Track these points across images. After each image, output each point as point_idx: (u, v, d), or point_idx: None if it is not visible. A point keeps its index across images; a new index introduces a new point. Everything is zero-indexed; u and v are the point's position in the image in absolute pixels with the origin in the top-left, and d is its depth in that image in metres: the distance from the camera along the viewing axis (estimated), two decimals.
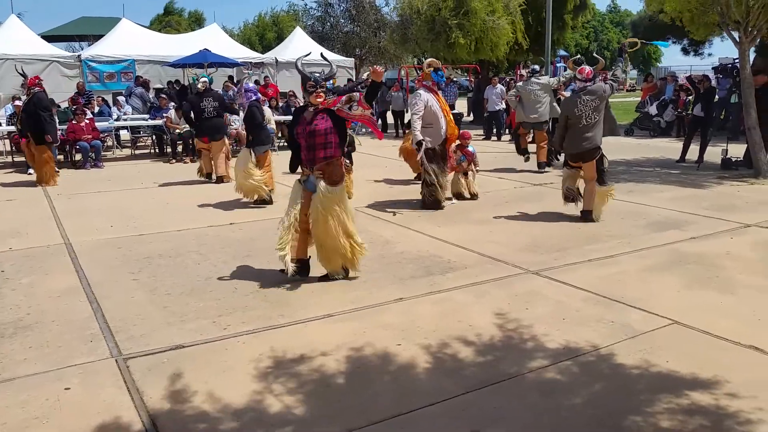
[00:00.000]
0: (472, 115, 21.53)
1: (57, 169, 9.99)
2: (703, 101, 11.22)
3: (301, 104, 5.39)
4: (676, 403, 3.06)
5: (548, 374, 3.41)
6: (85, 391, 3.28)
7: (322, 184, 4.72)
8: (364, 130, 15.31)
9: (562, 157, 8.00)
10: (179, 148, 12.45)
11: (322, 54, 6.69)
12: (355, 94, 4.80)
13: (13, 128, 11.34)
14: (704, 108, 11.14)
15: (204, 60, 16.43)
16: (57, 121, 11.54)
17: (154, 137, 13.44)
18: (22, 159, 10.95)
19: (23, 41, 16.97)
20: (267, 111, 8.93)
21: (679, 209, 7.37)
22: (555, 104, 10.38)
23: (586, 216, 6.81)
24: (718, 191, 8.58)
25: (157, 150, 13.35)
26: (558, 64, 18.03)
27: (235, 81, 16.98)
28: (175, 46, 18.63)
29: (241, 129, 12.03)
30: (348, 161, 7.69)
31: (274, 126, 10.65)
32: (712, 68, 16.35)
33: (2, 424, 2.98)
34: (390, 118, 17.56)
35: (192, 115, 9.54)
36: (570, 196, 6.98)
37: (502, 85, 16.54)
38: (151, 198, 8.61)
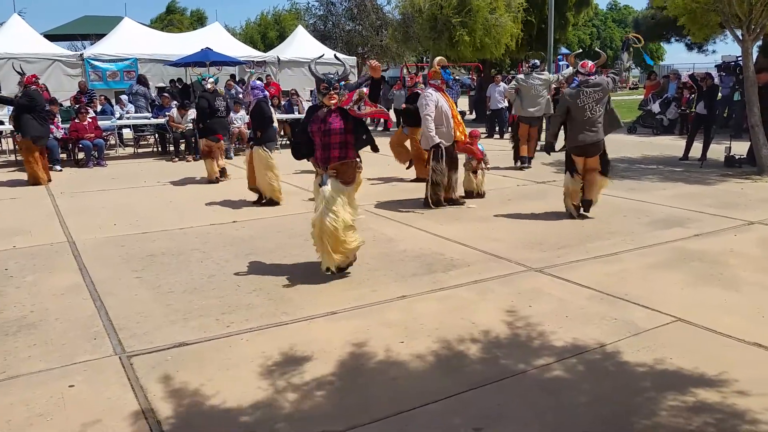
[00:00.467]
0: (474, 113, 21.51)
1: (51, 166, 10.05)
2: (706, 99, 11.21)
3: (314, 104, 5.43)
4: (681, 400, 3.05)
5: (552, 372, 3.40)
6: (89, 389, 3.28)
7: (331, 180, 4.78)
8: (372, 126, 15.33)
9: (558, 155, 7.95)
10: (182, 147, 12.47)
11: (335, 55, 6.73)
12: (363, 89, 4.88)
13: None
14: (707, 106, 11.13)
15: (206, 59, 16.41)
16: (60, 119, 11.59)
17: (156, 136, 13.46)
18: None
19: (26, 40, 16.98)
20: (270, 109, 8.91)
21: (683, 207, 7.36)
22: (550, 101, 10.39)
23: (587, 205, 6.80)
24: (722, 189, 8.56)
25: (159, 148, 13.36)
26: (560, 62, 18.02)
27: (237, 80, 17.00)
28: (177, 45, 18.62)
29: (243, 127, 12.08)
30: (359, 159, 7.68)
31: (276, 124, 10.62)
32: (715, 66, 16.34)
33: (7, 421, 2.98)
34: (392, 117, 17.53)
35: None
36: (575, 214, 6.87)
37: (505, 83, 16.51)
38: (154, 196, 8.62)
